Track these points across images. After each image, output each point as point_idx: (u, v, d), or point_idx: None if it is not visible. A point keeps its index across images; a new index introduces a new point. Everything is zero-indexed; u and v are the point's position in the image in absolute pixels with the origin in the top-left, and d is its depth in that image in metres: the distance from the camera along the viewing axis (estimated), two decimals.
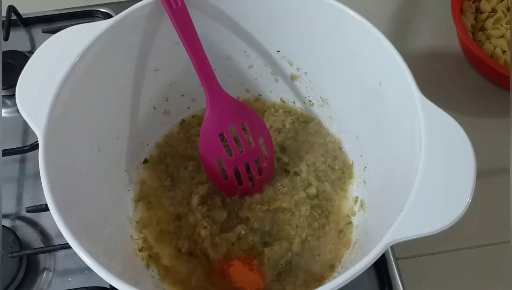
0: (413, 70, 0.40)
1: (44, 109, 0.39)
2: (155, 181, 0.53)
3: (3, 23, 0.63)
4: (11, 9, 0.65)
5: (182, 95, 0.56)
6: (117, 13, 0.45)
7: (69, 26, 0.44)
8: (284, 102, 0.58)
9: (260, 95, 0.59)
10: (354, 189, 0.53)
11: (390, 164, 0.45)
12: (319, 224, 0.50)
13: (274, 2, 0.47)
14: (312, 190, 0.52)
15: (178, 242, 0.49)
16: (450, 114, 0.38)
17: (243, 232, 0.49)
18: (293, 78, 0.55)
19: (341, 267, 0.47)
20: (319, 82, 0.54)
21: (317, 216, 0.51)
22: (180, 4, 0.45)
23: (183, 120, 0.58)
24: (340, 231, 0.50)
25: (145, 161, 0.55)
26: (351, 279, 0.33)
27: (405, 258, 0.53)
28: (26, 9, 0.68)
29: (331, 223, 0.51)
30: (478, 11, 0.67)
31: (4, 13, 0.64)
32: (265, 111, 0.58)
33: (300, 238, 0.49)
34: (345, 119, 0.54)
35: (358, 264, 0.34)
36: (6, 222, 0.53)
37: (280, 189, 0.53)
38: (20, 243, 0.51)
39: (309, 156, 0.54)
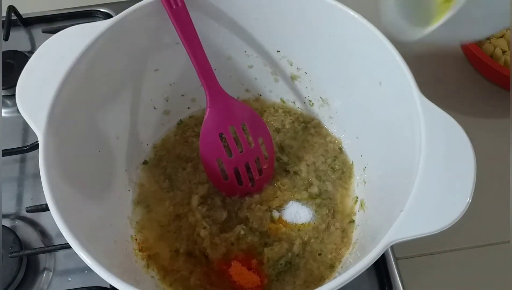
0: (413, 70, 0.40)
1: (44, 109, 0.39)
2: (153, 184, 0.53)
3: (3, 23, 0.63)
4: (11, 9, 0.65)
5: (182, 95, 0.56)
6: (117, 13, 0.45)
7: (69, 26, 0.44)
8: (284, 102, 0.58)
9: (260, 95, 0.59)
10: (354, 189, 0.53)
11: (390, 164, 0.45)
12: (325, 224, 0.50)
13: (274, 2, 0.47)
14: (314, 189, 0.52)
15: (178, 242, 0.49)
16: (450, 114, 0.38)
17: (242, 232, 0.49)
18: (293, 78, 0.55)
19: (341, 267, 0.47)
20: (319, 82, 0.54)
21: (324, 215, 0.51)
22: (180, 4, 0.45)
23: (181, 121, 0.58)
24: (343, 231, 0.50)
25: (145, 162, 0.55)
26: (351, 279, 0.33)
27: (405, 258, 0.53)
28: (26, 9, 0.68)
29: (336, 223, 0.50)
30: None
31: (4, 13, 0.64)
32: (265, 111, 0.58)
33: (302, 239, 0.49)
34: (345, 119, 0.54)
35: (358, 264, 0.34)
36: (6, 222, 0.53)
37: (280, 188, 0.53)
38: (20, 243, 0.51)
39: (309, 156, 0.54)
